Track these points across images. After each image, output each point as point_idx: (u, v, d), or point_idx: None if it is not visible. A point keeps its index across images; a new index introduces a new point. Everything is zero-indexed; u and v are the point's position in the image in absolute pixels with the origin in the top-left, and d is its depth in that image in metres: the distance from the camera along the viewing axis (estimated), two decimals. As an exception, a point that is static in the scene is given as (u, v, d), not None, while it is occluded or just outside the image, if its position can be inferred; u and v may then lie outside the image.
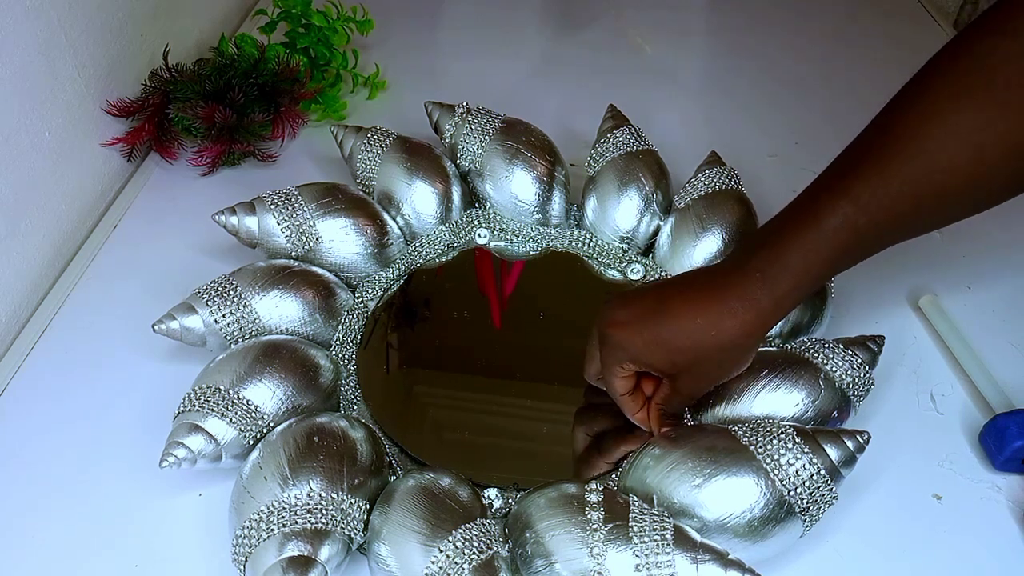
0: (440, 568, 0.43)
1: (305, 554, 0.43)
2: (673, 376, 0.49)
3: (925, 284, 0.65)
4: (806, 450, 0.46)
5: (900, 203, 0.44)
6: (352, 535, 0.46)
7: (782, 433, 0.47)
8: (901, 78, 0.47)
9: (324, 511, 0.45)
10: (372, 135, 0.67)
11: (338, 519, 0.45)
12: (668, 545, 0.43)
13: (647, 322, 0.48)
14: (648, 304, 0.48)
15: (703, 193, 0.62)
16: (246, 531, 0.44)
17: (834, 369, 0.52)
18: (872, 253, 0.47)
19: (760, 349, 0.54)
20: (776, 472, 0.45)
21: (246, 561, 0.44)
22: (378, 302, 0.62)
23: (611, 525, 0.44)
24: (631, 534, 0.43)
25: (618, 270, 0.65)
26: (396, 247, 0.64)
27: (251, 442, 0.50)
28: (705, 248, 0.61)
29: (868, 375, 0.52)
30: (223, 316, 0.55)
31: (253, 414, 0.50)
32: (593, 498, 0.45)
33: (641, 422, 0.52)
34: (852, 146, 0.47)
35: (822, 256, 0.45)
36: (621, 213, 0.64)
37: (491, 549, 0.44)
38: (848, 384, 0.51)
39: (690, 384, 0.49)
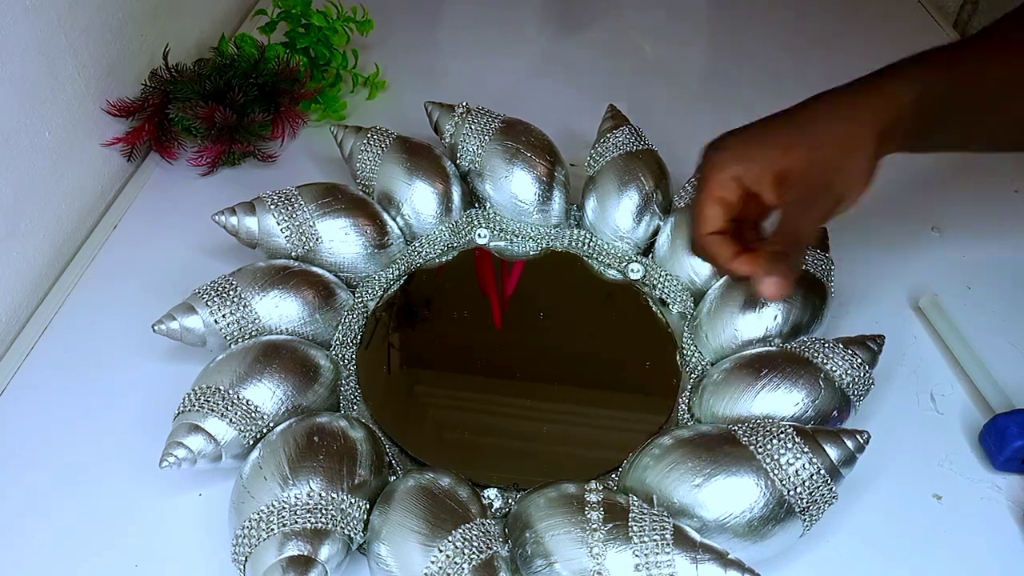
0: (440, 568, 0.43)
1: (305, 554, 0.43)
2: (780, 202, 0.44)
3: (925, 284, 0.65)
4: (806, 450, 0.46)
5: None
6: (352, 535, 0.46)
7: (782, 433, 0.47)
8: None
9: (324, 511, 0.45)
10: (372, 135, 0.67)
11: (338, 519, 0.45)
12: (668, 545, 0.43)
13: (756, 129, 0.45)
14: (757, 123, 0.46)
15: (703, 193, 0.62)
16: (246, 531, 0.44)
17: (834, 369, 0.52)
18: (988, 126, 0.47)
19: (760, 349, 0.54)
20: (776, 472, 0.45)
21: (246, 561, 0.44)
22: (378, 302, 0.62)
23: (611, 525, 0.44)
24: (631, 534, 0.43)
25: (618, 270, 0.65)
26: (396, 247, 0.64)
27: (251, 442, 0.50)
28: (705, 248, 0.61)
29: (868, 375, 0.52)
30: (223, 316, 0.55)
31: (253, 414, 0.50)
32: (593, 498, 0.45)
33: (738, 267, 0.46)
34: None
35: (942, 80, 0.43)
36: (621, 213, 0.64)
37: (491, 549, 0.44)
38: (848, 384, 0.51)
39: (799, 211, 0.44)
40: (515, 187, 0.65)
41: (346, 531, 0.45)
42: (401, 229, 0.65)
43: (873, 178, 0.45)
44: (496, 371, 0.61)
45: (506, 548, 0.46)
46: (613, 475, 0.52)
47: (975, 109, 0.46)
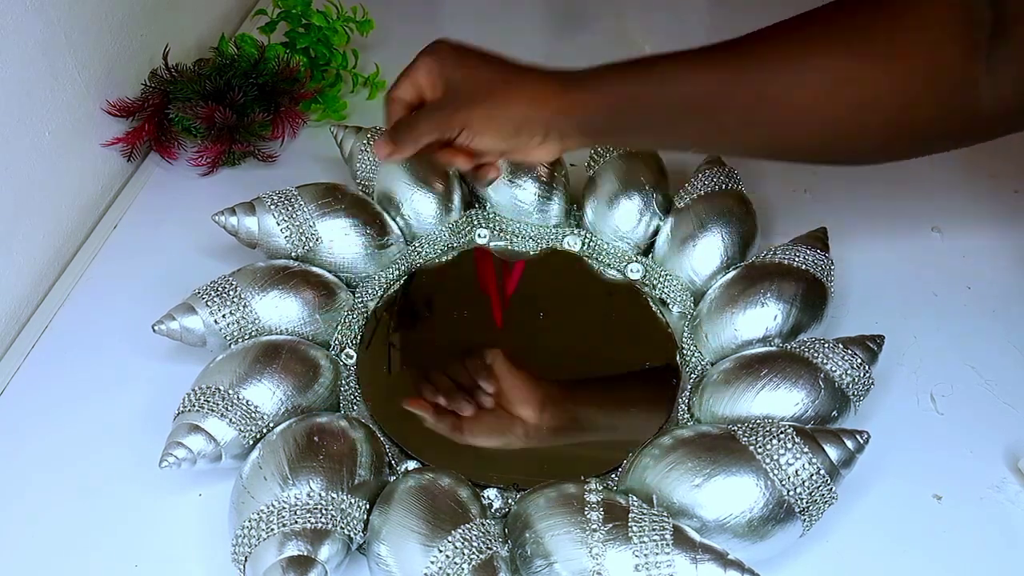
0: (440, 568, 0.43)
1: (305, 554, 0.43)
2: (437, 95, 0.50)
3: (925, 284, 0.65)
4: (806, 450, 0.46)
5: (732, 99, 0.48)
6: (352, 535, 0.46)
7: (782, 433, 0.47)
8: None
9: (324, 511, 0.45)
10: (372, 135, 0.67)
11: (338, 519, 0.45)
12: (668, 545, 0.43)
13: (475, 50, 0.51)
14: (482, 51, 0.51)
15: (703, 193, 0.62)
16: (246, 531, 0.44)
17: (834, 369, 0.51)
18: (680, 137, 0.52)
19: (760, 349, 0.55)
20: (776, 472, 0.45)
21: (246, 561, 0.44)
22: (378, 302, 0.62)
23: (610, 525, 0.44)
24: (630, 534, 0.43)
25: (618, 270, 0.65)
26: (396, 247, 0.64)
27: (251, 442, 0.50)
28: (705, 248, 0.60)
29: (868, 375, 0.52)
30: (223, 316, 0.55)
31: (253, 414, 0.50)
32: (593, 498, 0.45)
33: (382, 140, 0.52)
34: (731, 41, 0.50)
35: (642, 93, 0.49)
36: (621, 213, 0.64)
37: (491, 549, 0.44)
38: (848, 384, 0.51)
39: (436, 105, 0.50)
40: (515, 187, 0.65)
41: (346, 531, 0.45)
42: (401, 229, 0.65)
43: (514, 141, 0.50)
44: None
45: (506, 548, 0.46)
46: (613, 475, 0.52)
47: (665, 122, 0.50)
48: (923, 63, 0.45)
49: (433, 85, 0.51)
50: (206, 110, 0.72)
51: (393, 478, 0.50)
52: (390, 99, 0.52)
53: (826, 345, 0.53)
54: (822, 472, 0.46)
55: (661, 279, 0.63)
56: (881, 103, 0.46)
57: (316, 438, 0.48)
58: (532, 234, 0.67)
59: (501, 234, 0.67)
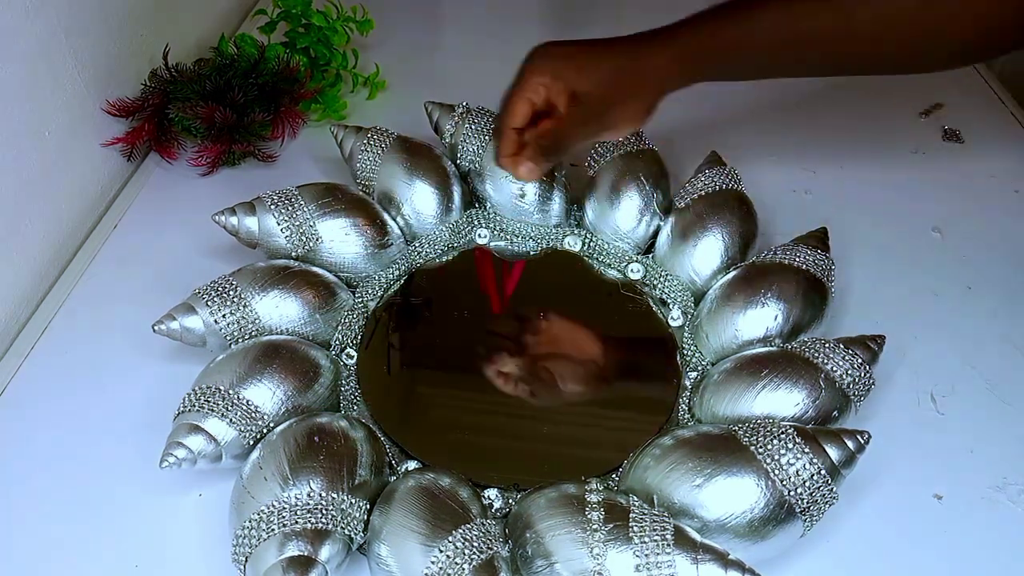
0: (440, 568, 0.43)
1: (305, 554, 0.43)
2: (565, 114, 0.54)
3: (925, 284, 0.65)
4: (806, 450, 0.46)
5: (824, 27, 0.52)
6: (352, 535, 0.46)
7: (782, 433, 0.47)
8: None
9: (324, 511, 0.45)
10: (372, 135, 0.67)
11: (338, 519, 0.45)
12: (668, 545, 0.43)
13: (577, 50, 0.54)
14: (582, 43, 0.54)
15: (703, 193, 0.62)
16: (246, 531, 0.44)
17: (834, 369, 0.52)
18: (782, 65, 0.56)
19: (760, 349, 0.55)
20: (776, 472, 0.45)
21: (246, 561, 0.44)
22: (378, 302, 0.62)
23: (611, 525, 0.44)
24: (631, 534, 0.43)
25: (618, 270, 0.65)
26: (396, 247, 0.64)
27: (251, 442, 0.50)
28: (705, 248, 0.60)
29: (868, 375, 0.52)
30: (223, 316, 0.55)
31: (253, 414, 0.50)
32: (593, 498, 0.45)
33: (506, 164, 0.56)
34: None
35: (739, 42, 0.52)
36: (621, 213, 0.64)
37: (491, 549, 0.44)
38: (848, 384, 0.51)
39: (573, 125, 0.54)
40: (515, 187, 0.65)
41: (346, 531, 0.45)
42: (401, 229, 0.65)
43: (648, 117, 0.55)
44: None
45: (506, 548, 0.46)
46: (614, 475, 0.52)
47: (768, 53, 0.54)
48: None
49: (555, 98, 0.53)
50: (206, 110, 0.72)
51: (393, 478, 0.50)
52: (504, 132, 0.54)
53: (826, 345, 0.53)
54: (823, 472, 0.46)
55: (661, 279, 0.63)
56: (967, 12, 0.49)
57: (316, 438, 0.48)
58: (532, 234, 0.67)
59: (501, 234, 0.67)
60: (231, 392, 0.50)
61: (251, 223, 0.60)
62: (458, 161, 0.68)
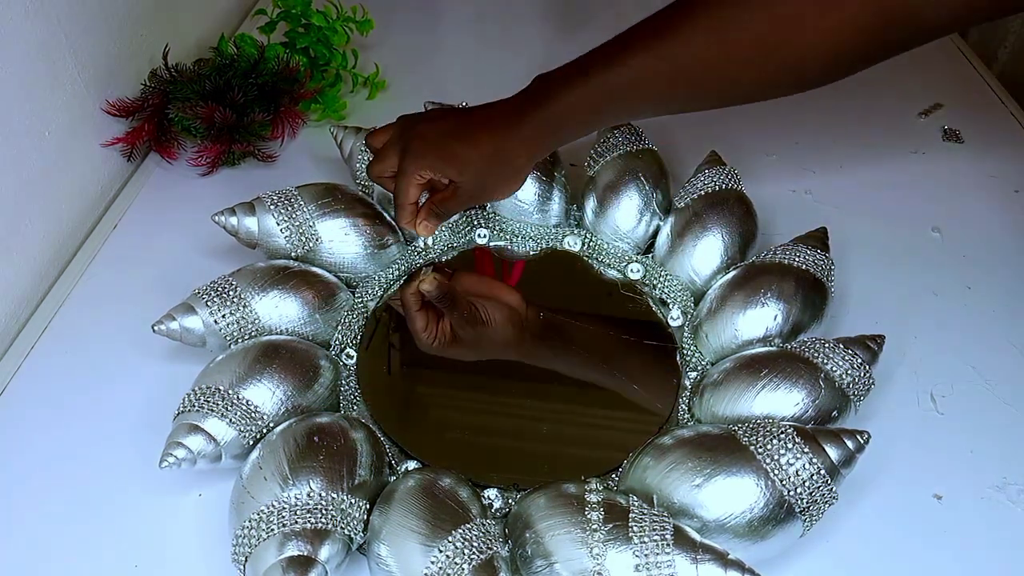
0: (440, 568, 0.43)
1: (305, 554, 0.43)
2: (458, 185, 0.56)
3: (925, 284, 0.65)
4: (806, 450, 0.46)
5: (656, 76, 0.52)
6: (352, 535, 0.46)
7: (782, 433, 0.47)
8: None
9: (324, 511, 0.45)
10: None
11: (338, 519, 0.45)
12: (668, 545, 0.43)
13: (449, 140, 0.56)
14: (451, 125, 0.56)
15: (703, 193, 0.62)
16: (246, 531, 0.44)
17: (834, 369, 0.51)
18: (631, 114, 0.59)
19: (760, 349, 0.55)
20: (776, 472, 0.45)
21: (246, 561, 0.44)
22: (378, 302, 0.62)
23: (611, 525, 0.44)
24: (631, 534, 0.43)
25: (618, 270, 0.65)
26: (396, 247, 0.64)
27: (251, 442, 0.50)
28: (705, 248, 0.60)
29: (868, 375, 0.52)
30: (223, 316, 0.55)
31: (253, 414, 0.50)
32: (593, 498, 0.45)
33: (407, 225, 0.59)
34: (632, 28, 0.53)
35: (586, 106, 0.53)
36: (621, 213, 0.64)
37: (491, 549, 0.44)
38: (848, 384, 0.51)
39: (470, 192, 0.57)
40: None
41: (346, 531, 0.45)
42: (401, 229, 0.65)
43: (523, 179, 0.58)
44: (496, 371, 0.61)
45: (506, 548, 0.46)
46: (613, 475, 0.52)
47: (638, 99, 0.54)
48: None
49: (436, 182, 0.57)
50: (206, 110, 0.72)
51: (393, 478, 0.50)
52: (402, 207, 0.57)
53: (826, 345, 0.53)
54: (822, 472, 0.46)
55: (661, 279, 0.63)
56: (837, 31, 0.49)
57: (316, 438, 0.48)
58: (532, 234, 0.67)
59: (501, 234, 0.67)
60: (231, 392, 0.50)
61: (251, 223, 0.60)
62: (458, 161, 0.68)
